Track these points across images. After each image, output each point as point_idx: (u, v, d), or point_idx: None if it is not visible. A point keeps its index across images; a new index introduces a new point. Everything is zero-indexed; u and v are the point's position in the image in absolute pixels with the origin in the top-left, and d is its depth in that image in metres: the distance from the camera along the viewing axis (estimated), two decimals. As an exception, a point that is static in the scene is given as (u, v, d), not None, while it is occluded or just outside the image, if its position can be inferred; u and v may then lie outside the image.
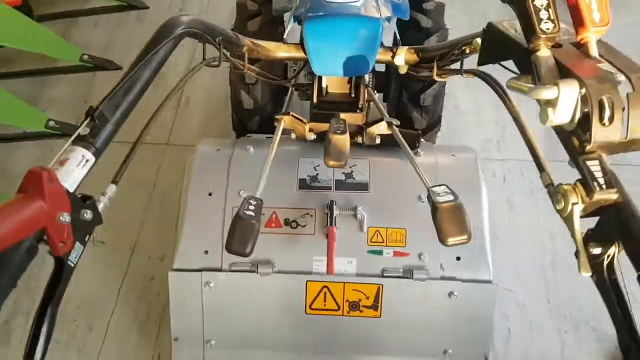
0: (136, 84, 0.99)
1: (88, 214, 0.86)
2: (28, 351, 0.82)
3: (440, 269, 1.49)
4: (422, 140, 1.69)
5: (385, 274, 1.48)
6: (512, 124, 1.10)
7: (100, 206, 0.91)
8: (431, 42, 1.88)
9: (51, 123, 2.13)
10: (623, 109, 0.81)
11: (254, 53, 1.38)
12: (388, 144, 1.53)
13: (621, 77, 0.83)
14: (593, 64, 0.85)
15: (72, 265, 0.86)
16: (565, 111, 0.82)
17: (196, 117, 2.51)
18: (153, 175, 2.29)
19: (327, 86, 1.52)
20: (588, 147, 0.82)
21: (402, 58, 1.38)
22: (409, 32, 1.94)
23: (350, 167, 1.57)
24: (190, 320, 1.54)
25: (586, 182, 0.81)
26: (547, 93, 0.82)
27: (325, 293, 1.50)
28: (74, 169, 0.86)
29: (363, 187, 1.55)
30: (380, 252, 1.49)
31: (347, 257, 1.49)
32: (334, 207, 1.49)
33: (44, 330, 0.83)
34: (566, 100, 0.81)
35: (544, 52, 0.86)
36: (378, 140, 1.51)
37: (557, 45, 0.89)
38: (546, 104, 0.83)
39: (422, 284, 1.48)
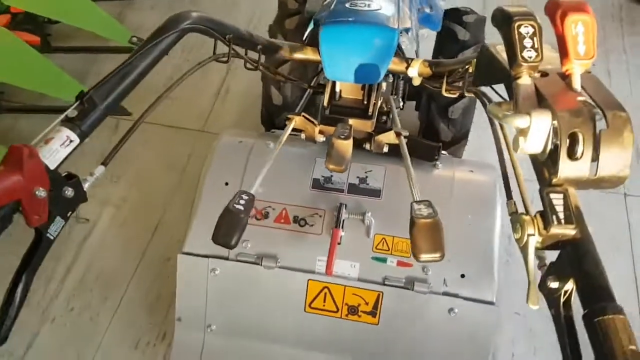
0: (131, 73, 1.02)
1: (69, 192, 0.91)
2: (0, 315, 0.88)
3: (443, 284, 1.47)
4: (444, 153, 1.68)
5: (386, 282, 1.48)
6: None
7: (86, 185, 0.95)
8: (465, 56, 1.86)
9: None
10: (596, 146, 0.80)
11: (270, 52, 1.41)
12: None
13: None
14: (573, 96, 0.83)
15: (52, 238, 0.90)
16: (536, 141, 0.82)
17: (234, 107, 2.54)
18: (184, 160, 2.35)
19: (340, 90, 1.53)
20: (554, 180, 0.81)
21: (416, 70, 1.37)
22: (446, 43, 1.93)
23: (365, 173, 1.58)
24: (194, 303, 1.57)
25: (545, 215, 0.80)
26: (519, 121, 0.81)
27: (325, 293, 1.51)
28: (58, 148, 0.90)
29: (375, 193, 1.55)
30: (384, 260, 1.50)
31: (351, 261, 1.49)
32: (343, 210, 1.50)
33: (17, 295, 0.89)
34: (538, 130, 0.81)
35: (525, 80, 0.85)
36: (386, 149, 1.50)
37: (543, 74, 0.88)
38: (519, 133, 0.83)
39: (422, 296, 1.47)
